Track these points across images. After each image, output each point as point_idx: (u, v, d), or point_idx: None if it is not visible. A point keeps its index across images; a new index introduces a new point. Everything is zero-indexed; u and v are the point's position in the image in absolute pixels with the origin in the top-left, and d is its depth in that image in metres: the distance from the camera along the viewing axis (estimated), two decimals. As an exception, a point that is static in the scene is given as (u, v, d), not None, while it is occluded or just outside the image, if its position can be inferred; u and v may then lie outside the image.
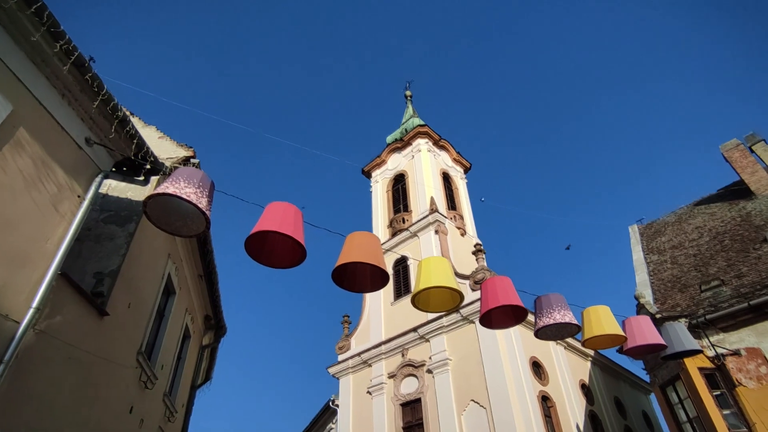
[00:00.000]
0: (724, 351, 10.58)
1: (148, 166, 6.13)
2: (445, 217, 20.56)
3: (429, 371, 16.53)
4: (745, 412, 9.90)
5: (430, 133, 24.28)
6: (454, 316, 16.55)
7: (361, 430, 17.79)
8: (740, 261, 12.80)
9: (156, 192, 2.91)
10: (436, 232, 19.58)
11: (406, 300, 19.06)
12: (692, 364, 10.71)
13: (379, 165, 25.54)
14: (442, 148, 24.99)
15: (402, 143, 24.75)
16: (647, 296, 13.12)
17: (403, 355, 17.71)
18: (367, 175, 26.05)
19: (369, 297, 20.73)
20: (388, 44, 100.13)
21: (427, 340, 17.24)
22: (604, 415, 18.37)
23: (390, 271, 20.61)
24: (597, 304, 4.81)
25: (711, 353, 10.72)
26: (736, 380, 10.25)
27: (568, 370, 17.85)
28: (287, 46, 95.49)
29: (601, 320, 4.44)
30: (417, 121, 25.95)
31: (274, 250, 3.51)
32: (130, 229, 6.77)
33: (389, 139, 26.75)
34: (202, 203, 2.93)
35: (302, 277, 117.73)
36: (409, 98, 30.47)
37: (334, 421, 19.81)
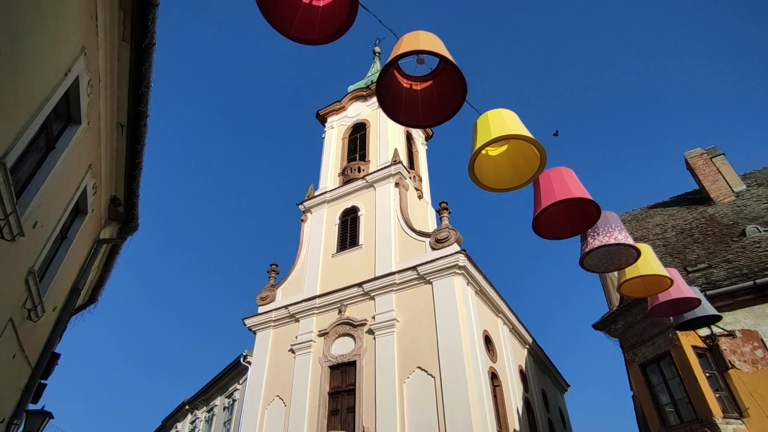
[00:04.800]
0: (718, 331, 9.75)
1: None
2: (407, 172, 18.54)
3: (370, 332, 14.30)
4: (737, 396, 9.05)
5: (400, 86, 22.09)
6: (409, 274, 14.53)
7: (275, 392, 15.03)
8: (722, 250, 12.33)
9: None
10: (396, 184, 17.46)
11: (351, 253, 16.69)
12: (686, 342, 9.73)
13: (337, 111, 22.82)
14: (408, 107, 22.94)
15: (367, 91, 22.31)
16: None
17: (340, 312, 15.29)
18: (322, 120, 23.21)
19: (306, 245, 17.99)
20: None
21: (372, 298, 15.01)
22: (535, 404, 17.52)
23: (336, 221, 18.11)
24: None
25: (703, 333, 9.86)
26: (729, 362, 9.41)
27: (512, 353, 16.71)
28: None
29: (648, 259, 3.53)
30: (386, 73, 23.65)
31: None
32: None
33: (351, 88, 24.14)
34: None
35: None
36: (377, 54, 28.10)
37: (241, 381, 16.72)
